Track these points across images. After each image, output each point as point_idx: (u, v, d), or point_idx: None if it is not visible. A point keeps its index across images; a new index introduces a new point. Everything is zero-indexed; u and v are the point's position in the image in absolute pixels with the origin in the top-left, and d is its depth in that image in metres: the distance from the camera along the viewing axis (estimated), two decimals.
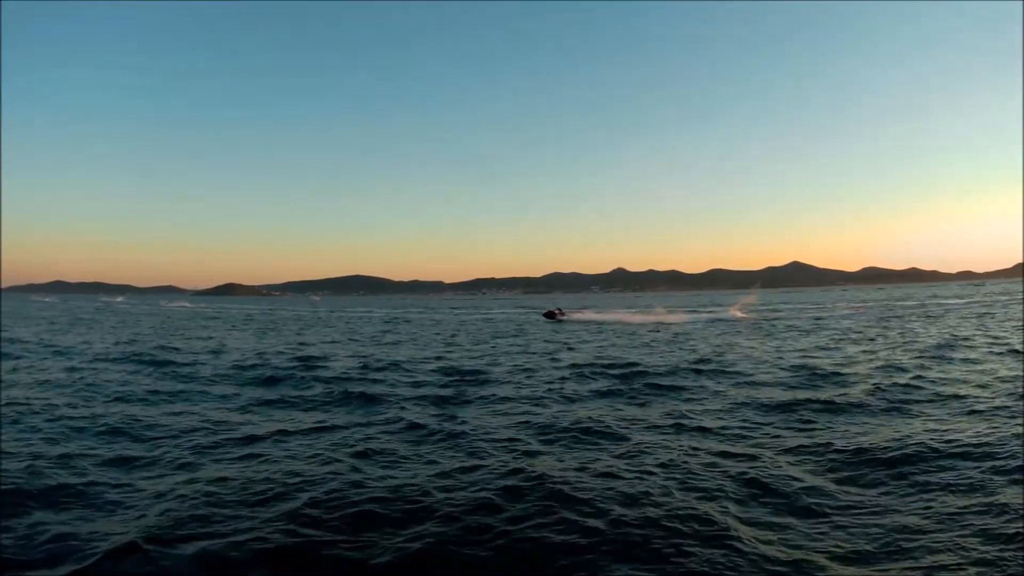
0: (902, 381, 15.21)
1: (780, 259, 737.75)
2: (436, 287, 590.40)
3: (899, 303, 71.74)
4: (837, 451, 9.54)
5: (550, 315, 55.36)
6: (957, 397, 13.37)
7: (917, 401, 13.16)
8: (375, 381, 17.56)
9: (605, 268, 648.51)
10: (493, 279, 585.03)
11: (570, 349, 27.48)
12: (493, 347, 29.37)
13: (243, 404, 14.32)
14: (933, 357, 20.10)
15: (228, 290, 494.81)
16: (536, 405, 13.85)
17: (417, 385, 16.96)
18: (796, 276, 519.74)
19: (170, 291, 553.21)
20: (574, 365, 20.50)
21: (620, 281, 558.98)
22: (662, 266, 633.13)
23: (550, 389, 15.68)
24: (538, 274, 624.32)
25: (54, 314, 75.12)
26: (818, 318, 48.43)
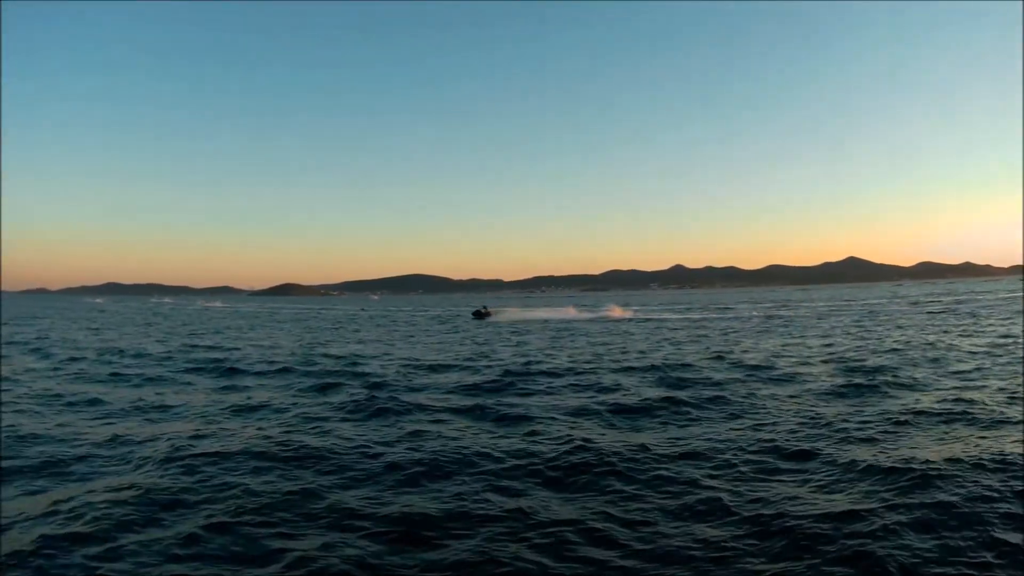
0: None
1: (837, 254, 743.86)
2: (495, 285, 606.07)
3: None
4: None
5: (478, 315, 61.33)
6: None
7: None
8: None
9: (664, 265, 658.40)
10: (552, 277, 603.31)
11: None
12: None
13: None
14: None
15: (285, 290, 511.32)
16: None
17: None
18: (851, 272, 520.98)
19: (227, 292, 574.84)
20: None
21: (679, 278, 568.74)
22: (720, 262, 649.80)
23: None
24: (597, 272, 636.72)
25: (79, 314, 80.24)
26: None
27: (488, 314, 61.31)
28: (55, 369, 22.78)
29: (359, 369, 21.88)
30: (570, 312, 66.13)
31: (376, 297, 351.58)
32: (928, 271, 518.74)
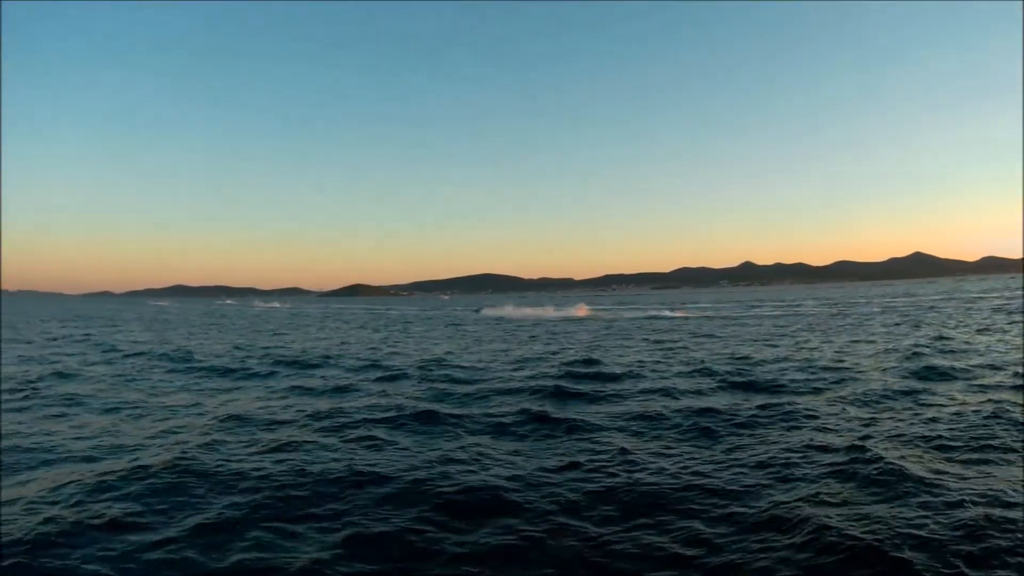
0: None
1: (903, 250, 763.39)
2: (566, 284, 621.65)
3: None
4: None
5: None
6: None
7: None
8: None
9: (733, 262, 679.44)
10: (622, 275, 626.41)
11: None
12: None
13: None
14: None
15: (354, 291, 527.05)
16: None
17: None
18: (917, 267, 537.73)
19: (296, 293, 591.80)
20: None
21: (748, 275, 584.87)
22: (789, 259, 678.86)
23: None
24: (667, 269, 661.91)
25: (140, 315, 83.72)
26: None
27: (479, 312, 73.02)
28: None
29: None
30: (582, 311, 70.70)
31: (446, 297, 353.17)
32: (991, 266, 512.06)
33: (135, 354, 27.95)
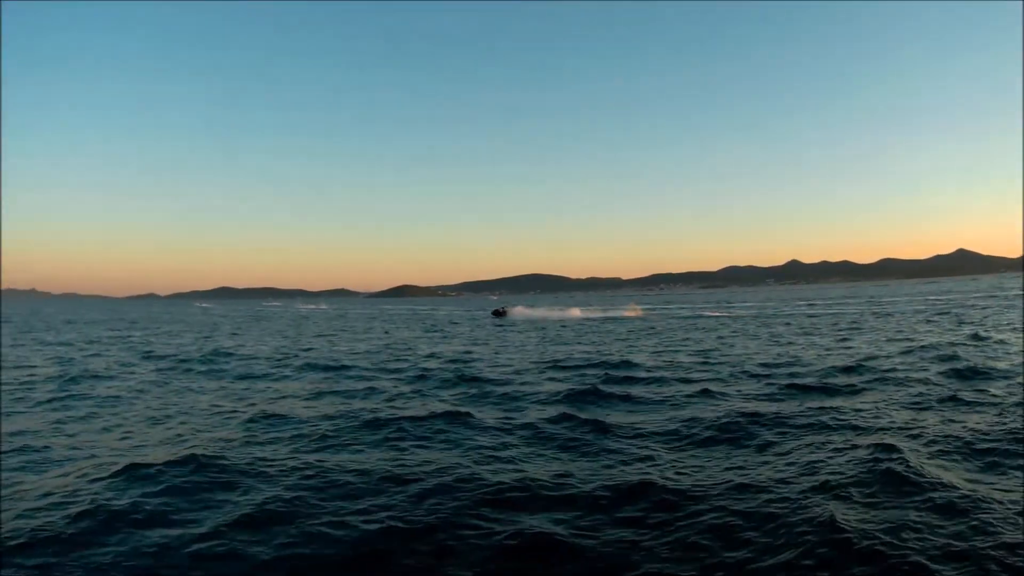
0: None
1: (947, 247, 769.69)
2: (614, 283, 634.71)
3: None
4: None
5: (497, 313, 72.19)
6: None
7: None
8: None
9: (780, 260, 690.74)
10: (670, 274, 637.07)
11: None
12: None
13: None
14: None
15: (402, 292, 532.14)
16: None
17: None
18: (961, 264, 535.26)
19: (343, 294, 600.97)
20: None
21: (794, 273, 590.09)
22: (835, 257, 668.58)
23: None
24: (714, 268, 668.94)
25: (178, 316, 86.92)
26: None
27: (504, 313, 71.29)
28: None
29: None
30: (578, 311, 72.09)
31: (495, 297, 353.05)
32: None
33: (167, 355, 28.31)
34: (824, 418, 12.27)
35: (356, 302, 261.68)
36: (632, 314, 65.51)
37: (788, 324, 42.77)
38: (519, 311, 72.84)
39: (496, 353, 28.07)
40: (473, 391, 17.03)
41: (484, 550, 6.81)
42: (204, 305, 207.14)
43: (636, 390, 16.38)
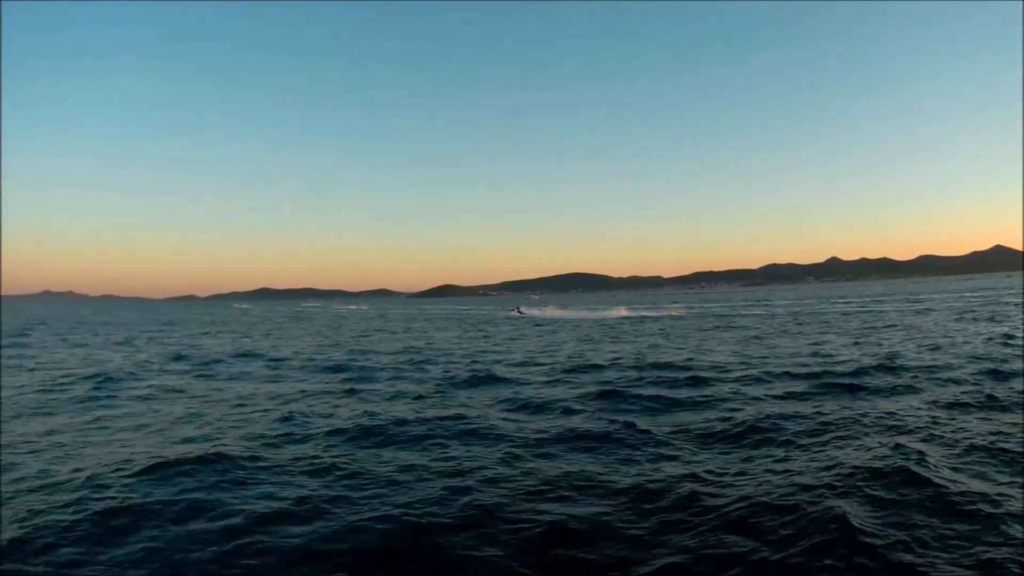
0: None
1: (985, 243, 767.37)
2: (655, 282, 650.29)
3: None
4: None
5: (515, 312, 76.11)
6: None
7: None
8: None
9: (820, 257, 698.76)
10: (711, 272, 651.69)
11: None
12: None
13: None
14: None
15: (443, 292, 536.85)
16: None
17: None
18: (998, 260, 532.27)
19: (384, 295, 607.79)
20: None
21: (834, 270, 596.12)
22: (874, 254, 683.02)
23: None
24: (755, 266, 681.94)
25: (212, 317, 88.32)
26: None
27: (521, 314, 74.79)
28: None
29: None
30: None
31: (536, 296, 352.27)
32: None
33: (199, 356, 28.60)
34: (855, 416, 12.22)
35: (396, 302, 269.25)
36: (677, 313, 65.62)
37: (826, 322, 42.98)
38: (550, 311, 75.32)
39: (529, 352, 28.05)
40: (503, 391, 16.98)
41: (519, 541, 6.98)
42: (243, 306, 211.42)
43: (670, 390, 16.15)
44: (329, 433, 11.78)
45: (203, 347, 34.22)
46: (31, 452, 10.78)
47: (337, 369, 22.90)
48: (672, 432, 11.55)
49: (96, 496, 8.25)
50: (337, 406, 14.90)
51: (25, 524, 7.32)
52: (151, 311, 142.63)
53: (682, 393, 15.75)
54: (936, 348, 22.77)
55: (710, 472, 9.07)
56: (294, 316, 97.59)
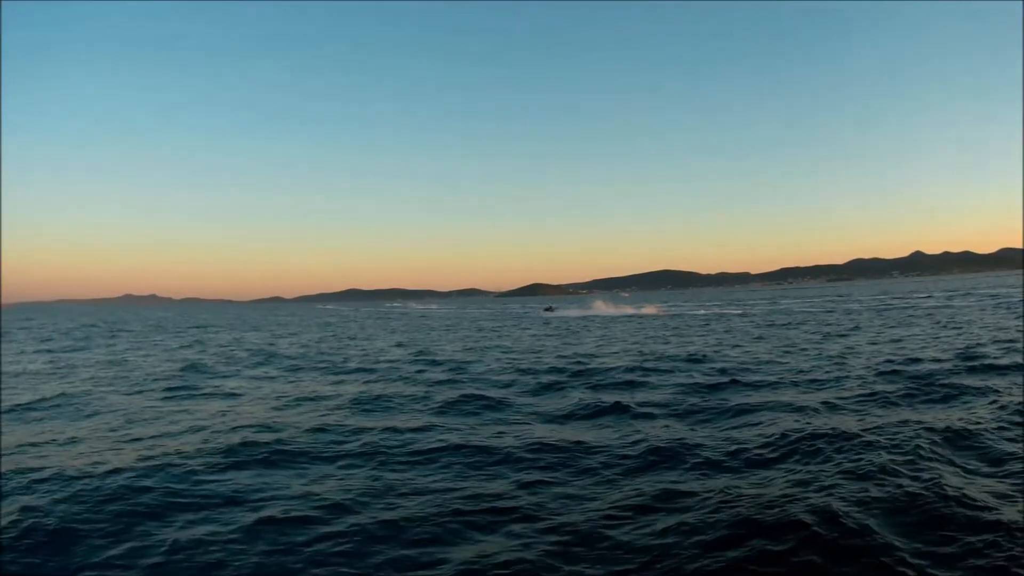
0: None
1: None
2: (743, 279, 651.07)
3: None
4: None
5: (548, 310, 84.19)
6: None
7: None
8: None
9: (904, 252, 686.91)
10: (798, 268, 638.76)
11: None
12: None
13: None
14: None
15: (532, 291, 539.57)
16: None
17: None
18: None
19: (473, 294, 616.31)
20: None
21: (918, 265, 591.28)
22: (956, 247, 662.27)
23: None
24: (840, 261, 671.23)
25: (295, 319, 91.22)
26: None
27: (552, 310, 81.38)
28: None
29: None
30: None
31: (626, 294, 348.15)
32: None
33: (280, 355, 30.20)
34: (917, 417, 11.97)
35: (481, 301, 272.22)
36: (652, 311, 70.39)
37: (911, 318, 42.49)
38: (599, 306, 78.02)
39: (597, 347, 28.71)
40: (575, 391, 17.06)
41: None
42: (328, 307, 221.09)
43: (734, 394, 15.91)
44: (392, 425, 12.89)
45: (274, 346, 35.87)
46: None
47: (400, 364, 23.77)
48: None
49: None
50: (405, 398, 15.98)
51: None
52: (237, 313, 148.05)
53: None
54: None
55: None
56: (376, 316, 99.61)
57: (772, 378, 17.53)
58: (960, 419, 11.59)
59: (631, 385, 17.48)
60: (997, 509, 7.36)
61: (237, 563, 6.69)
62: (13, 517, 7.81)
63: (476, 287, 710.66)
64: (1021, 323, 31.77)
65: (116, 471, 9.70)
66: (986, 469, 9.00)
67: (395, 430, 12.56)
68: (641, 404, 14.50)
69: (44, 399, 17.06)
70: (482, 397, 15.86)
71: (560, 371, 20.54)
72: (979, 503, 7.53)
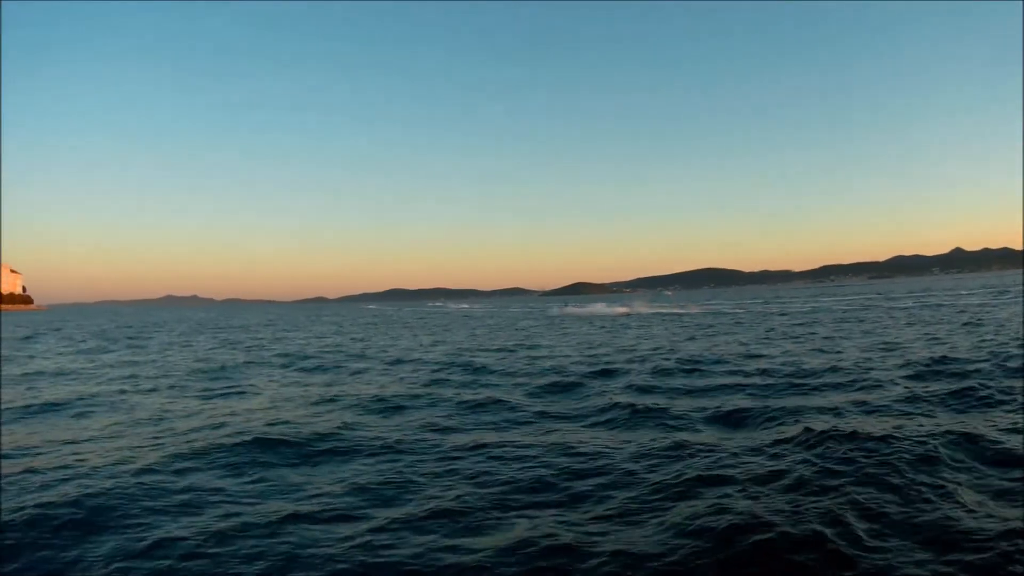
0: None
1: None
2: (784, 276, 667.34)
3: None
4: None
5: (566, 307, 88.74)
6: None
7: None
8: None
9: (944, 248, 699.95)
10: (839, 265, 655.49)
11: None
12: None
13: None
14: None
15: (576, 289, 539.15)
16: None
17: None
18: None
19: (517, 293, 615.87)
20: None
21: (958, 262, 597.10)
22: (996, 244, 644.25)
23: None
24: (881, 258, 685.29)
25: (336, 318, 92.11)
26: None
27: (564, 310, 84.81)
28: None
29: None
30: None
31: (670, 293, 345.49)
32: None
33: (309, 354, 30.62)
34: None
35: (524, 300, 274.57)
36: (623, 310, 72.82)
37: (948, 315, 42.03)
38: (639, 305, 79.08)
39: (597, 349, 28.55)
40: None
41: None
42: (370, 307, 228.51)
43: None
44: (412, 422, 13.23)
45: (299, 343, 36.26)
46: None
47: (424, 363, 24.28)
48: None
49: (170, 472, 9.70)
50: (421, 398, 16.26)
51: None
52: (279, 313, 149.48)
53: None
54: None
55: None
56: (417, 315, 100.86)
57: (808, 380, 17.00)
58: (989, 424, 11.07)
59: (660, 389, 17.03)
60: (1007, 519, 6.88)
61: (261, 557, 6.68)
62: (27, 513, 7.79)
63: (520, 286, 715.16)
64: None
65: (145, 470, 9.74)
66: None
67: (428, 427, 12.73)
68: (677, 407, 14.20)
69: (68, 401, 16.97)
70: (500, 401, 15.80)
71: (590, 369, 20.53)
72: (996, 516, 6.99)
